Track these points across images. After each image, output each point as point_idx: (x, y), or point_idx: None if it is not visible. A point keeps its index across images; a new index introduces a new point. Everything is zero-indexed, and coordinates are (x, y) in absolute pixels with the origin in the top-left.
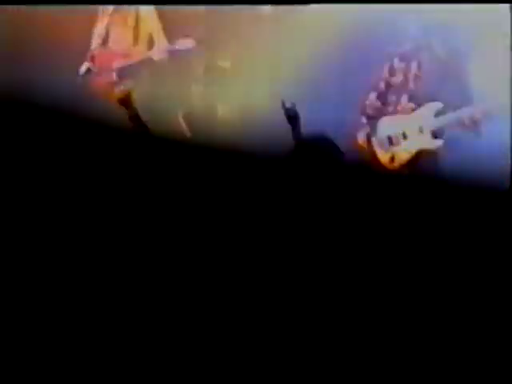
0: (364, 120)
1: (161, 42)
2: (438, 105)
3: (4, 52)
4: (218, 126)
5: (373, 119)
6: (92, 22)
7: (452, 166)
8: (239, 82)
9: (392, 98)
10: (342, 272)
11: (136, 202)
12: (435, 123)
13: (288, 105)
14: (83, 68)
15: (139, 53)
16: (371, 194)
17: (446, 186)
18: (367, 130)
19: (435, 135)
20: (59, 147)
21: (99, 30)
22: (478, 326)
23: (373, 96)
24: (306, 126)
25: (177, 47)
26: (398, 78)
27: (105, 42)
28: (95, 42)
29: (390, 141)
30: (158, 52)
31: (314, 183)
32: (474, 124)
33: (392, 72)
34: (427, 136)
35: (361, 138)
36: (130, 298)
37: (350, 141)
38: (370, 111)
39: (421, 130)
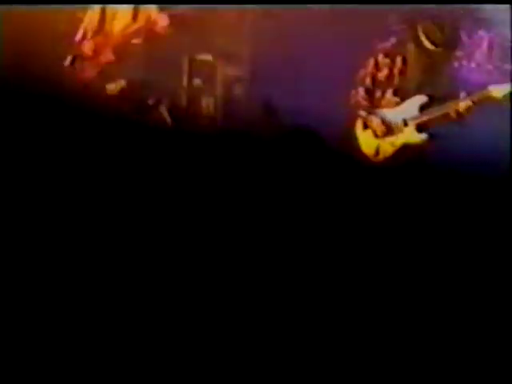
0: (363, 114)
1: (160, 16)
2: (423, 98)
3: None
4: (201, 119)
5: (369, 113)
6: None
7: (441, 159)
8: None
9: (378, 92)
10: (328, 265)
11: (121, 192)
12: (420, 116)
13: (267, 99)
14: (69, 59)
15: (138, 28)
16: (355, 187)
17: (431, 180)
18: (376, 120)
19: (420, 129)
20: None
21: (94, 15)
22: (476, 324)
23: (362, 91)
24: (293, 120)
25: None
26: (383, 73)
27: (101, 27)
28: (91, 30)
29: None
30: (160, 21)
31: (296, 174)
32: (460, 117)
33: (377, 67)
34: (412, 129)
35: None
36: (127, 292)
37: (340, 134)
38: (363, 106)
39: (405, 124)
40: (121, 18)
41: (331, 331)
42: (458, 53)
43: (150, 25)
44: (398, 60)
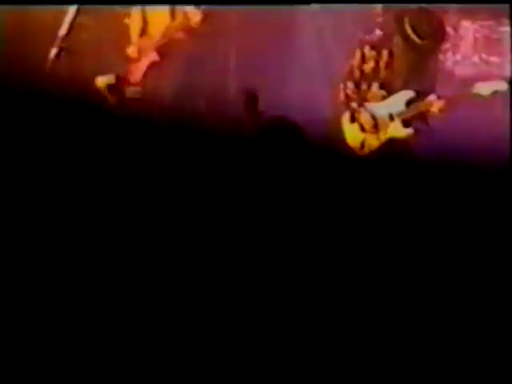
0: (354, 106)
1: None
2: (410, 93)
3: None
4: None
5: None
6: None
7: (425, 154)
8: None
9: (364, 85)
10: (315, 259)
11: (118, 189)
12: (406, 111)
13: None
14: (53, 52)
15: (176, 25)
16: (340, 180)
17: (416, 174)
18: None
19: (406, 123)
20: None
21: (137, 21)
22: (473, 324)
23: (350, 84)
24: (279, 113)
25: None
26: (369, 66)
27: (144, 30)
28: (135, 33)
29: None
30: (195, 16)
31: (281, 168)
32: (446, 113)
33: (364, 59)
34: (398, 124)
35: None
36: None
37: (327, 127)
38: (352, 99)
39: (391, 118)
40: (161, 19)
41: (323, 325)
42: (444, 45)
43: (186, 21)
44: (385, 53)
